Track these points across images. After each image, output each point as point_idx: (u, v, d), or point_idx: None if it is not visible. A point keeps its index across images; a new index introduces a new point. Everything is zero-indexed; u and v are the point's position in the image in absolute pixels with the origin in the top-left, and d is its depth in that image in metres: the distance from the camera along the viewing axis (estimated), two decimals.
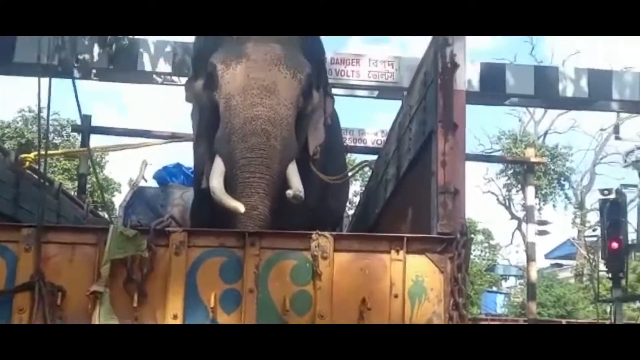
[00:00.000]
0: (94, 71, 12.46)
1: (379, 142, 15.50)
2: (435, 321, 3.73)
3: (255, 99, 4.43)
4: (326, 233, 3.80)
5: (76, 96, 4.56)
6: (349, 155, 14.10)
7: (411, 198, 4.87)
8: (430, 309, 3.75)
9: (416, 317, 3.74)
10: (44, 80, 4.08)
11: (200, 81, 4.92)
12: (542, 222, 28.00)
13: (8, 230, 3.85)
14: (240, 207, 4.22)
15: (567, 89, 13.40)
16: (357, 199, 16.15)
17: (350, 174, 7.07)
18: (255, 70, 4.52)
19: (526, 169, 15.71)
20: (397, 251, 3.78)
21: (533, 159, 15.30)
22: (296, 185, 4.42)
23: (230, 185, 4.41)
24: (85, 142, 13.61)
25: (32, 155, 6.99)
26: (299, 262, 3.79)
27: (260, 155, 4.35)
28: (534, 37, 30.72)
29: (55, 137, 25.97)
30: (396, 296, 3.76)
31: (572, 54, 32.41)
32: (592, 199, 33.78)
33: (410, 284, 3.78)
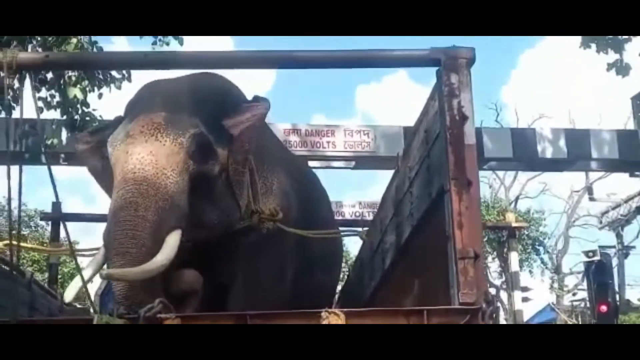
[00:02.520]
0: (62, 156, 12.09)
1: (357, 214, 15.26)
2: None
3: (128, 175, 4.17)
4: (337, 310, 3.41)
5: (52, 181, 4.20)
6: None
7: (416, 267, 4.52)
8: None
9: None
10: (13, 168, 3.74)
11: None
12: (524, 289, 27.63)
13: None
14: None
15: (546, 150, 13.33)
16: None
17: (337, 235, 6.74)
18: (132, 146, 4.26)
19: (508, 235, 15.47)
20: None
21: (514, 224, 15.08)
22: (150, 262, 3.94)
23: None
24: (55, 231, 13.18)
25: (1, 244, 6.53)
26: None
27: (124, 228, 4.01)
28: (498, 104, 30.94)
29: (24, 228, 25.31)
30: None
31: (536, 119, 32.50)
32: (569, 263, 33.72)
33: None
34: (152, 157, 4.20)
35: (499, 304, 3.43)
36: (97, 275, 4.19)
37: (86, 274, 4.20)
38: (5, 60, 3.58)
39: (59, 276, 16.41)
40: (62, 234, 13.62)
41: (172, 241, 4.10)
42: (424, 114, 4.33)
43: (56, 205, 13.02)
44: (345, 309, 3.47)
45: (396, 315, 3.47)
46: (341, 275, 8.28)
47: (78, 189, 49.84)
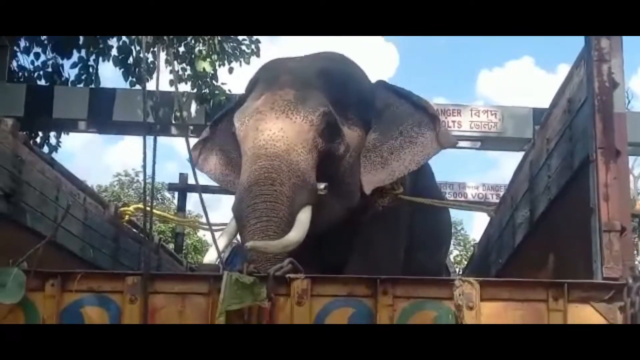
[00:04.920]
0: (191, 128, 12.34)
1: (480, 195, 14.95)
2: None
3: (260, 150, 4.20)
4: (471, 279, 3.28)
5: (188, 148, 4.30)
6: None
7: (552, 242, 4.32)
8: None
9: None
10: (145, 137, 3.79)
11: None
12: None
13: (111, 280, 3.46)
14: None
15: None
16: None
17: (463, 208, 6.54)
18: (263, 122, 4.30)
19: (639, 223, 14.77)
20: (556, 299, 3.21)
21: None
22: (288, 236, 3.99)
23: (241, 237, 4.21)
24: (182, 201, 13.51)
25: (131, 208, 6.70)
26: (440, 314, 3.26)
27: (265, 200, 4.05)
28: (628, 92, 29.58)
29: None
30: None
31: None
32: None
33: None
34: (283, 133, 4.23)
35: None
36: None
37: (220, 243, 4.29)
38: None
39: (183, 247, 16.88)
40: (188, 205, 14.02)
41: (305, 218, 4.15)
42: (567, 83, 4.12)
43: (183, 176, 13.34)
44: (480, 278, 3.33)
45: (534, 287, 3.29)
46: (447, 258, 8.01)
47: None
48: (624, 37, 3.58)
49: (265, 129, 4.26)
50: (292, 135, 4.24)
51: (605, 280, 3.24)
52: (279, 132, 4.23)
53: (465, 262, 24.96)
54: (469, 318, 3.20)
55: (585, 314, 3.21)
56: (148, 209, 4.05)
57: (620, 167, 3.37)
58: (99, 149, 52.72)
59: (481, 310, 3.23)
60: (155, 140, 3.74)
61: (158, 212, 6.93)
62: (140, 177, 28.34)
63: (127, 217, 6.71)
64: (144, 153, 3.66)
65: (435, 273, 6.11)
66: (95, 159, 49.84)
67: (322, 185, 4.30)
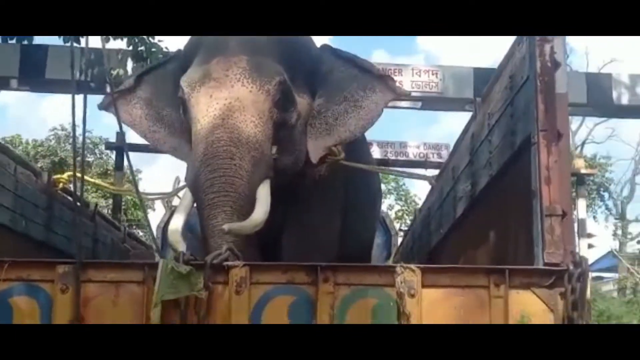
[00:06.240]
0: None
1: (422, 155, 15.02)
2: None
3: (216, 120, 4.10)
4: (412, 266, 3.24)
5: (117, 113, 4.14)
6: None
7: (493, 219, 4.30)
8: None
9: None
10: (78, 97, 3.62)
11: None
12: (589, 236, 27.13)
13: (41, 268, 3.31)
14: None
15: (622, 97, 12.80)
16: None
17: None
18: (217, 90, 4.19)
19: (576, 181, 15.04)
20: (498, 286, 3.19)
21: (583, 170, 14.68)
22: (256, 214, 3.96)
23: (198, 211, 4.11)
24: (119, 160, 13.27)
25: (65, 175, 6.51)
26: (381, 301, 3.21)
27: (223, 174, 3.99)
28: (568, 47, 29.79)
29: (88, 155, 25.63)
30: None
31: (607, 63, 31.17)
32: (634, 210, 33.15)
33: None
34: (239, 103, 4.13)
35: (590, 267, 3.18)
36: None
37: (178, 219, 4.16)
38: None
39: (123, 203, 16.65)
40: (126, 162, 13.78)
41: (265, 194, 4.10)
42: (509, 58, 4.06)
43: (120, 135, 13.07)
44: (421, 265, 3.28)
45: (476, 273, 3.27)
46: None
47: None
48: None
49: (221, 97, 4.14)
50: (249, 105, 4.14)
51: (546, 266, 3.23)
52: (235, 102, 4.12)
53: (407, 218, 25.28)
54: (410, 305, 3.16)
55: (526, 300, 3.20)
56: (80, 186, 3.91)
57: (561, 149, 3.34)
58: (34, 101, 51.55)
59: (422, 297, 3.19)
60: (85, 99, 3.56)
61: (91, 180, 6.75)
62: (77, 132, 27.95)
63: (61, 185, 6.52)
64: (73, 114, 3.51)
65: (369, 240, 6.09)
66: (30, 112, 48.73)
67: (273, 150, 4.24)
